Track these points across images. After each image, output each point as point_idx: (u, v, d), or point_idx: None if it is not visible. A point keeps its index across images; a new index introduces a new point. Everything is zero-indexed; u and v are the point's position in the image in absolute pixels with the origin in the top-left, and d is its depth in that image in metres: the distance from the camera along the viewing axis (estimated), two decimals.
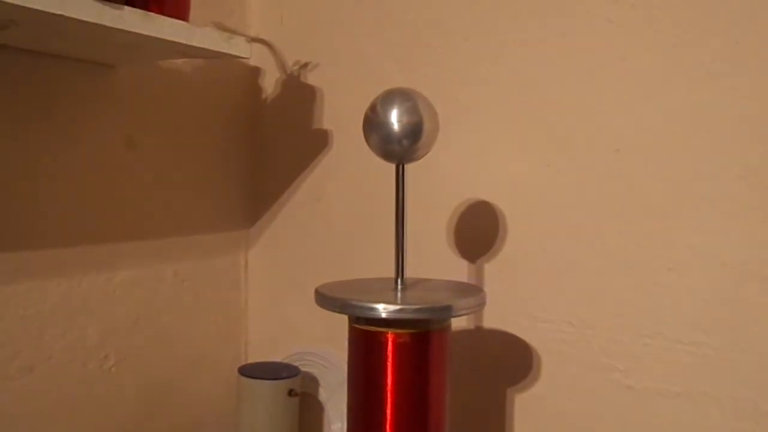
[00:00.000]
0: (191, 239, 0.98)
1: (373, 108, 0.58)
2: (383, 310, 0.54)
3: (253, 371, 0.89)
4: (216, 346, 1.03)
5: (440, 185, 0.84)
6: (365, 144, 0.92)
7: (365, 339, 0.58)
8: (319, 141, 0.98)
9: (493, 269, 0.80)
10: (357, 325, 0.58)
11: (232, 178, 1.04)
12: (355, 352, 0.59)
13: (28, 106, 0.78)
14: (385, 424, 0.58)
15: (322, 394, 0.96)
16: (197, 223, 0.99)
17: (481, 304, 0.57)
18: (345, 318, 0.86)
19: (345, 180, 0.96)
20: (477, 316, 0.81)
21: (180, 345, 0.98)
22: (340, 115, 0.96)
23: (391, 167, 0.86)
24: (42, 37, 0.69)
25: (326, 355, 0.97)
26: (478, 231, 0.82)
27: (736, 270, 0.66)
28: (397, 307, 0.54)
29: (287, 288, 1.03)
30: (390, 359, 0.57)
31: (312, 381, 0.96)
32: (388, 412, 0.57)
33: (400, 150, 0.57)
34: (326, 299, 0.57)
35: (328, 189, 0.97)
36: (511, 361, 0.80)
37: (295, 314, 1.02)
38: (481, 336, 0.82)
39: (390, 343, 0.56)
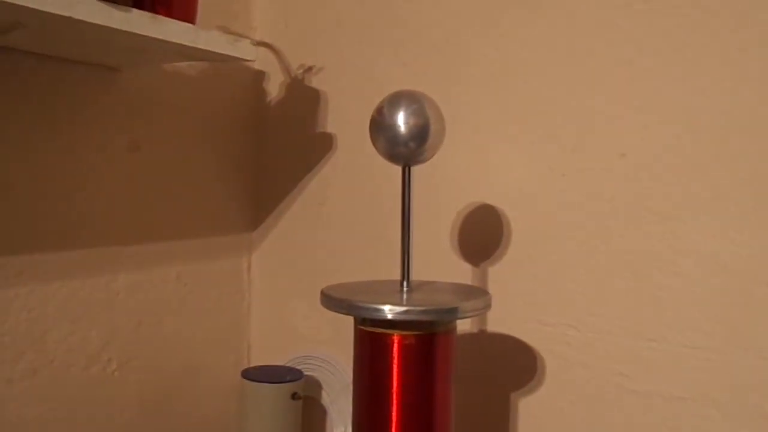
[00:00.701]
0: (194, 242, 0.98)
1: (379, 110, 0.58)
2: (389, 311, 0.54)
3: (256, 375, 0.89)
4: (218, 350, 1.02)
5: (444, 189, 0.84)
6: (369, 147, 0.92)
7: (371, 340, 0.58)
8: (323, 144, 0.98)
9: (496, 273, 0.80)
10: (363, 327, 0.58)
11: (236, 182, 1.04)
12: (361, 353, 0.59)
13: (32, 108, 0.78)
14: (391, 425, 0.58)
15: (325, 398, 0.95)
16: (200, 226, 0.99)
17: (487, 307, 0.58)
18: (348, 321, 0.86)
19: (349, 183, 0.96)
20: (481, 319, 0.81)
21: (182, 348, 0.97)
22: (345, 119, 0.96)
23: (395, 171, 0.87)
24: (48, 39, 0.69)
25: (329, 358, 0.97)
26: (482, 235, 0.82)
27: (740, 274, 0.66)
28: (404, 308, 0.54)
29: (290, 291, 1.03)
30: (396, 361, 0.57)
31: (315, 385, 0.95)
32: (394, 413, 0.57)
33: (406, 152, 0.57)
34: (332, 300, 0.57)
35: (332, 192, 0.98)
36: (515, 364, 0.80)
37: (298, 318, 1.02)
38: (484, 339, 0.82)
39: (396, 345, 0.56)
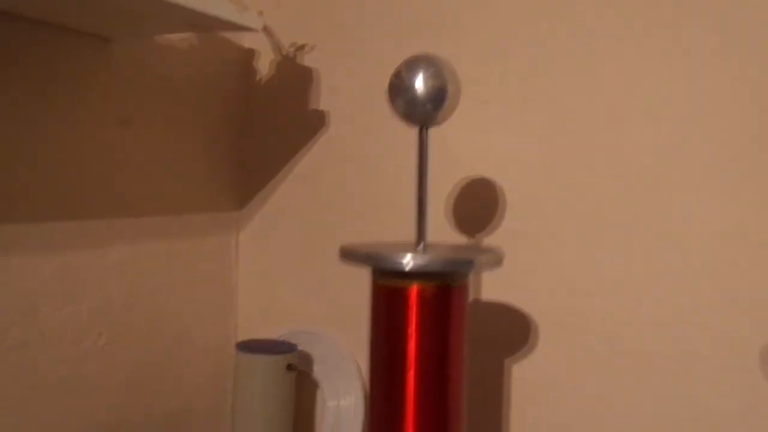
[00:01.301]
0: (183, 219, 0.98)
1: (397, 74, 0.60)
2: (410, 261, 0.56)
3: (251, 347, 0.89)
4: (207, 326, 1.02)
5: (441, 160, 0.85)
6: (361, 125, 0.94)
7: (389, 294, 0.59)
8: (314, 123, 0.99)
9: (492, 242, 0.83)
10: (381, 281, 0.60)
11: (225, 159, 1.04)
12: (378, 307, 0.61)
13: (24, 77, 0.77)
14: (407, 378, 0.59)
15: (317, 371, 0.96)
16: (190, 203, 0.99)
17: (500, 260, 0.60)
18: (338, 296, 0.88)
19: (339, 162, 0.97)
20: (475, 285, 0.83)
21: (172, 324, 0.97)
22: (336, 97, 0.97)
23: (388, 149, 0.89)
24: (47, 2, 0.68)
25: (319, 333, 0.97)
26: (477, 205, 0.84)
27: (729, 236, 0.70)
28: (423, 259, 0.56)
29: (279, 269, 1.03)
30: (414, 312, 0.58)
31: (306, 358, 0.96)
32: (411, 365, 0.59)
33: (424, 113, 0.59)
34: (353, 254, 0.59)
35: (322, 170, 0.98)
36: (509, 330, 0.82)
37: (286, 295, 1.03)
38: (479, 306, 0.84)
39: (414, 297, 0.58)
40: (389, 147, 0.91)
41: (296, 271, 1.02)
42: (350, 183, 0.96)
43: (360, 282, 0.94)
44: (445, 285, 0.58)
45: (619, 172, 0.76)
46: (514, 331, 0.82)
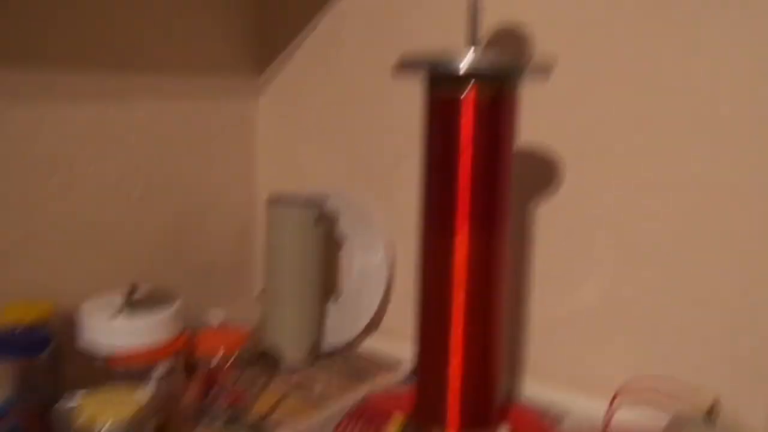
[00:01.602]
0: (204, 81, 0.98)
1: None
2: (468, 61, 0.57)
3: (280, 201, 0.91)
4: (231, 186, 1.05)
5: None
6: None
7: (444, 103, 0.61)
8: None
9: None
10: (435, 90, 0.61)
11: (245, 22, 1.03)
12: (432, 121, 0.62)
13: None
14: (459, 188, 0.61)
15: (341, 230, 0.99)
16: (210, 66, 0.99)
17: (552, 65, 0.62)
18: (359, 159, 0.91)
19: (361, 24, 0.96)
20: None
21: (199, 183, 0.99)
22: None
23: (412, 6, 0.89)
24: None
25: (341, 194, 0.99)
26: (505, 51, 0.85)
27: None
28: (482, 60, 0.58)
29: (299, 132, 1.04)
30: (470, 120, 0.60)
31: (331, 217, 0.98)
32: (463, 175, 0.61)
33: None
34: (411, 61, 0.60)
35: (344, 33, 0.98)
36: (532, 174, 0.84)
37: (307, 158, 1.04)
38: None
39: (470, 103, 0.59)
40: (415, 3, 0.91)
41: (317, 135, 1.03)
42: (373, 42, 0.95)
43: (383, 143, 0.96)
44: (500, 90, 0.60)
45: (641, 25, 0.75)
46: (537, 174, 0.83)
